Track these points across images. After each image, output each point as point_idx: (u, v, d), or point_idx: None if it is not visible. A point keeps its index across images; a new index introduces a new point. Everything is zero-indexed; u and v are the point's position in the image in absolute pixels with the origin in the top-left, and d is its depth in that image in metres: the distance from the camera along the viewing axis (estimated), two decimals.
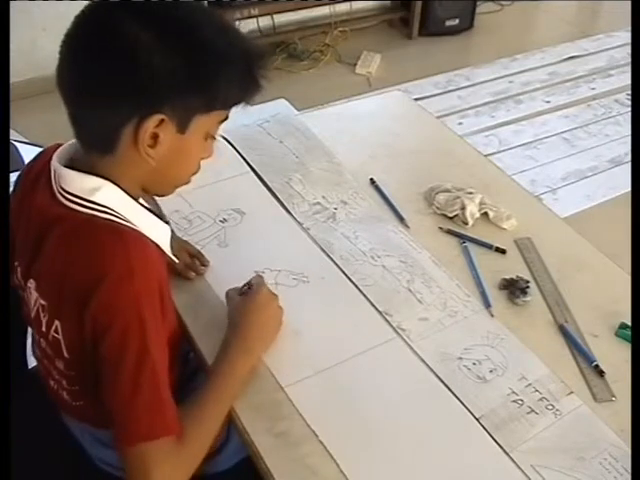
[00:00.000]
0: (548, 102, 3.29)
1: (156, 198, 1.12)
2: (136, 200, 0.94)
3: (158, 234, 0.96)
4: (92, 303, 0.84)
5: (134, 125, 0.85)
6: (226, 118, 0.95)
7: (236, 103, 0.94)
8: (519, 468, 0.93)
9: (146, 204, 0.99)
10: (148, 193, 1.00)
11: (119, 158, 0.89)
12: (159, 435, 0.87)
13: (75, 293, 0.86)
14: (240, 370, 1.01)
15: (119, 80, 0.83)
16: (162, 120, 0.85)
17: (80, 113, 0.88)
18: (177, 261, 1.04)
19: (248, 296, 1.07)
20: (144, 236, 0.92)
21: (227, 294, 1.11)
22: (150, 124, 0.85)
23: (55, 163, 0.92)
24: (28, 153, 0.99)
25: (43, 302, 0.92)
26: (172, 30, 0.84)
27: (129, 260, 0.86)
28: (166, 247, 0.98)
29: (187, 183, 1.00)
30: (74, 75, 0.86)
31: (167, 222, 1.00)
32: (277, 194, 1.36)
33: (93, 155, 0.90)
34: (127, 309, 0.85)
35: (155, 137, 0.87)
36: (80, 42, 0.85)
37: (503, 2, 4.12)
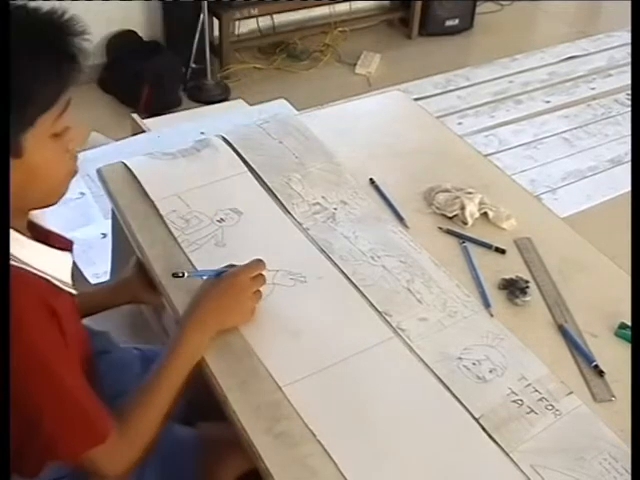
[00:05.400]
0: (548, 102, 3.29)
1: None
2: (19, 231, 0.89)
3: (49, 263, 0.92)
4: None
5: None
6: (66, 107, 0.85)
7: (60, 95, 0.83)
8: (519, 468, 0.93)
9: (41, 225, 0.96)
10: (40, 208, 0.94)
11: None
12: (97, 443, 0.90)
13: None
14: (192, 350, 1.02)
15: None
16: None
17: None
18: (74, 292, 0.98)
19: (217, 279, 1.06)
20: (24, 273, 0.87)
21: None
22: None
23: None
24: None
25: None
26: None
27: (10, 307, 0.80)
28: (62, 276, 0.94)
29: (75, 174, 0.92)
30: None
31: (69, 247, 0.98)
32: (277, 194, 1.35)
33: None
34: (22, 349, 0.83)
35: None
36: None
37: (503, 2, 4.12)
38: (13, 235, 0.86)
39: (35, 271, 0.89)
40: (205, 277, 1.08)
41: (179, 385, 0.99)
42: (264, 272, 1.09)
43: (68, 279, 0.96)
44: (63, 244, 0.98)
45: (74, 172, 0.92)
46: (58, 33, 0.81)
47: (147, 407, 0.97)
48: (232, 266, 1.10)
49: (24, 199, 0.86)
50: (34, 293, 0.87)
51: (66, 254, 0.97)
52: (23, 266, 0.87)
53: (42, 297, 0.87)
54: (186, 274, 1.07)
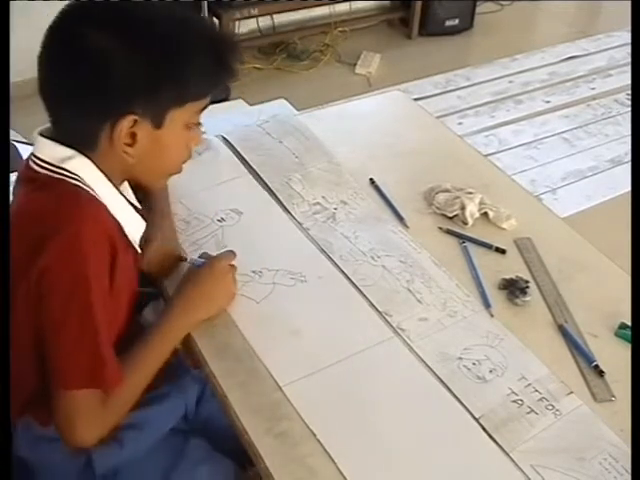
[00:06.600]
0: (548, 102, 3.28)
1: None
2: (115, 185, 0.97)
3: (125, 215, 0.99)
4: (40, 260, 0.87)
5: (109, 127, 0.90)
6: (206, 106, 0.98)
7: (210, 92, 0.97)
8: (519, 468, 0.93)
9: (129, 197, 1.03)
10: (140, 184, 1.04)
11: (100, 155, 0.94)
12: (96, 385, 0.93)
13: (26, 248, 0.89)
14: (176, 332, 1.06)
15: (88, 87, 0.89)
16: (135, 120, 0.90)
17: (60, 118, 0.93)
18: (140, 251, 1.06)
19: (199, 268, 1.11)
20: (105, 209, 0.95)
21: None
22: (124, 125, 0.90)
23: (34, 133, 0.96)
24: (28, 153, 0.99)
25: None
26: (133, 33, 0.88)
27: (81, 224, 0.89)
28: (134, 233, 1.02)
29: (179, 172, 1.05)
30: (51, 84, 0.92)
31: (145, 219, 1.05)
32: (277, 194, 1.35)
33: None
34: (74, 269, 0.88)
35: (133, 135, 0.92)
36: (53, 56, 0.90)
37: (503, 2, 4.12)
38: (101, 177, 0.95)
39: (112, 214, 0.97)
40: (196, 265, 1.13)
41: (157, 367, 1.03)
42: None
43: (137, 239, 1.03)
44: (141, 213, 1.04)
45: (179, 170, 1.04)
46: (228, 47, 0.96)
47: (127, 383, 0.98)
48: (205, 254, 1.14)
49: (134, 164, 0.95)
50: (103, 224, 0.93)
51: (142, 220, 1.04)
52: (104, 202, 0.95)
53: (108, 232, 0.94)
54: (190, 260, 1.14)
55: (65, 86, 0.90)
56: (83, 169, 0.93)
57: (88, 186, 0.93)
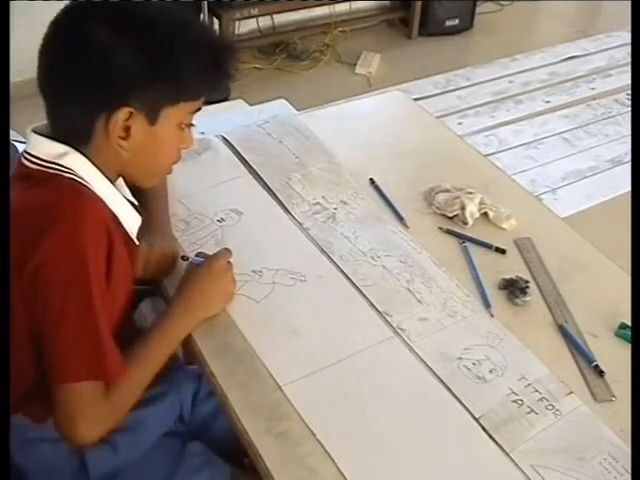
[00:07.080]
0: (548, 102, 3.29)
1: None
2: (109, 180, 0.98)
3: (121, 210, 1.00)
4: (37, 253, 0.87)
5: (105, 119, 0.91)
6: (199, 109, 1.00)
7: (205, 94, 0.99)
8: (519, 468, 0.93)
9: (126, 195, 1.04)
10: (131, 182, 1.04)
11: (94, 149, 0.95)
12: (97, 376, 0.93)
13: (22, 245, 0.88)
14: (178, 331, 1.06)
15: (88, 78, 0.90)
16: (130, 113, 0.92)
17: (57, 111, 0.94)
18: (137, 243, 1.06)
19: (197, 268, 1.11)
20: (102, 202, 0.96)
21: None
22: (119, 117, 0.91)
23: (27, 130, 0.97)
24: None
25: None
26: (134, 29, 0.90)
27: (79, 215, 0.90)
28: (130, 227, 1.02)
29: (169, 173, 1.07)
30: (51, 76, 0.93)
31: (140, 214, 1.05)
32: (277, 194, 1.35)
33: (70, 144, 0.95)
34: (72, 260, 0.89)
35: (127, 129, 0.93)
36: (54, 48, 0.92)
37: (503, 2, 4.12)
38: (95, 172, 0.95)
39: (109, 207, 0.97)
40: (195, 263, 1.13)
41: (158, 366, 1.03)
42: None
43: (134, 231, 1.04)
44: (137, 209, 1.05)
45: (169, 171, 1.06)
46: (226, 51, 0.97)
47: (128, 378, 0.98)
48: (202, 253, 1.14)
49: (127, 160, 0.96)
50: (100, 216, 0.94)
51: (137, 215, 1.04)
52: (100, 196, 0.96)
53: (106, 224, 0.94)
54: (190, 259, 1.14)
55: (65, 77, 0.91)
56: (78, 164, 0.94)
57: (84, 180, 0.94)
